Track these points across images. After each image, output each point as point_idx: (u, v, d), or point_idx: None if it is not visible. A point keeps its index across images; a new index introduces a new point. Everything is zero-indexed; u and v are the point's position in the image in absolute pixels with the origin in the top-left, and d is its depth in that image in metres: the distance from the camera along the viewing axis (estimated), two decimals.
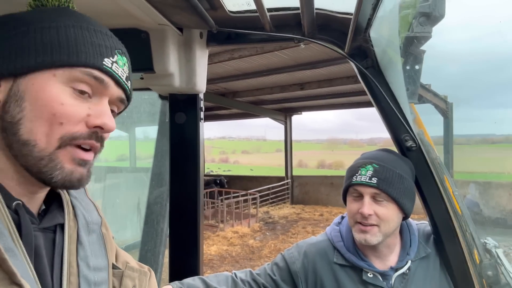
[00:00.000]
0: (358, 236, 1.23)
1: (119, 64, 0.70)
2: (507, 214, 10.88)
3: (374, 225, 1.21)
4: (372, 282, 1.26)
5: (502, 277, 1.28)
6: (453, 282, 1.31)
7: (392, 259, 1.29)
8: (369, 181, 1.20)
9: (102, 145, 0.70)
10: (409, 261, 1.28)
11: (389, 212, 1.21)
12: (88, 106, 0.66)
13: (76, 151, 0.65)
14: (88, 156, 0.68)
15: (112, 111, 0.72)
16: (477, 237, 1.31)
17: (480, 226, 1.42)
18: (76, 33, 0.65)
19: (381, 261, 1.29)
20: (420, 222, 1.43)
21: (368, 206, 1.20)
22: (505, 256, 1.30)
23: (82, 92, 0.65)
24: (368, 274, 1.26)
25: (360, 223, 1.22)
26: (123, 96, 0.72)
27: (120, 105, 0.74)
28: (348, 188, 1.28)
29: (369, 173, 1.21)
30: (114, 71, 0.68)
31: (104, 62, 0.66)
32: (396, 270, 1.27)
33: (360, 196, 1.23)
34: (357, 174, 1.23)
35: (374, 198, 1.21)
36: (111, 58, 0.68)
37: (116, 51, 0.70)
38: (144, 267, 0.95)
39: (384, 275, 1.27)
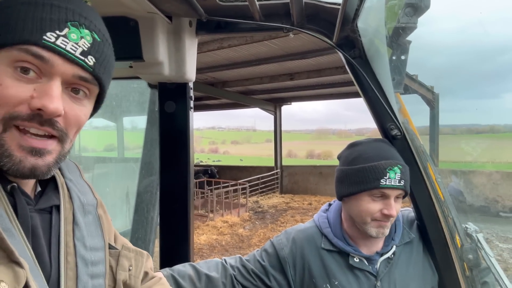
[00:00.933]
0: (376, 231, 1.25)
1: (71, 38, 0.62)
2: (490, 202, 11.17)
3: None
4: (358, 267, 1.30)
5: (482, 260, 1.33)
6: (435, 265, 1.36)
7: (378, 244, 1.33)
8: (399, 184, 1.21)
9: (55, 129, 0.64)
10: (394, 246, 1.33)
11: (400, 206, 1.27)
12: (34, 87, 0.61)
13: (24, 137, 0.62)
14: (41, 144, 0.63)
15: (77, 90, 0.67)
16: (459, 222, 1.36)
17: (463, 214, 1.47)
18: (18, 10, 0.61)
19: (368, 246, 1.33)
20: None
21: (394, 208, 1.22)
22: (487, 242, 1.34)
23: (25, 70, 0.61)
24: (355, 259, 1.30)
25: (379, 220, 1.24)
26: (81, 73, 0.65)
27: (88, 85, 0.67)
28: (369, 189, 1.22)
29: (398, 175, 1.21)
30: (59, 46, 0.61)
31: (44, 37, 0.60)
32: (382, 254, 1.32)
33: (382, 197, 1.23)
34: (385, 177, 1.20)
35: (396, 197, 1.24)
36: (56, 31, 0.61)
37: (68, 23, 0.62)
38: (143, 251, 0.96)
39: (370, 259, 1.31)
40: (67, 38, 0.62)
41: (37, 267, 0.64)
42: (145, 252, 0.97)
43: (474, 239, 1.35)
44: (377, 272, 1.29)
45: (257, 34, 7.06)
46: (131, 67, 1.45)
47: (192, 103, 1.54)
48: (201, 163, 22.97)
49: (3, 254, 0.56)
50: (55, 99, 0.62)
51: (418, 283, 1.31)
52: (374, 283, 1.28)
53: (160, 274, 1.24)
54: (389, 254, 1.32)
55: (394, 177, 1.20)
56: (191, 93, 1.54)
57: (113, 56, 0.73)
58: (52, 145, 0.65)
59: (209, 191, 11.90)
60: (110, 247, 0.85)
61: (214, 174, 15.79)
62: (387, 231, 1.26)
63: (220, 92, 13.08)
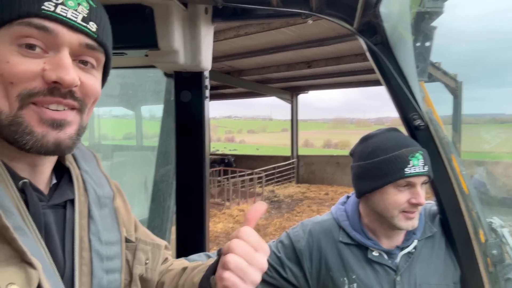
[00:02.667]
0: (405, 224, 1.21)
1: (69, 5, 0.60)
2: None
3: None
4: (378, 261, 1.27)
5: (507, 256, 1.28)
6: (457, 260, 1.32)
7: (399, 238, 1.30)
8: (424, 170, 1.17)
9: (76, 100, 0.63)
10: (415, 241, 1.29)
11: (425, 193, 1.23)
12: (43, 61, 0.60)
13: (43, 110, 0.60)
14: (61, 115, 0.62)
15: (85, 62, 0.65)
16: (483, 216, 1.31)
17: (486, 206, 1.41)
18: None
19: (388, 240, 1.29)
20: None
21: (422, 196, 1.18)
22: (510, 235, 1.29)
23: (30, 47, 0.59)
24: (374, 253, 1.27)
25: (407, 211, 1.20)
26: (87, 41, 0.63)
27: (95, 53, 0.66)
28: (394, 180, 1.18)
29: (421, 161, 1.17)
30: (60, 14, 0.59)
31: (43, 7, 0.58)
32: (402, 249, 1.28)
33: (408, 186, 1.19)
34: (409, 165, 1.16)
35: (421, 184, 1.20)
36: (53, 0, 0.59)
37: None
38: (161, 242, 0.95)
39: (390, 253, 1.27)
40: (66, 6, 0.60)
41: (51, 265, 0.62)
42: (163, 243, 0.95)
43: (499, 234, 1.30)
44: (397, 266, 1.26)
45: (274, 21, 6.96)
46: (146, 55, 1.43)
47: (208, 92, 1.52)
48: (217, 152, 23.12)
49: (15, 254, 0.55)
50: (70, 69, 0.60)
51: (439, 278, 1.27)
52: (394, 277, 1.25)
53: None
54: (410, 249, 1.28)
55: (417, 163, 1.16)
56: (207, 82, 1.51)
57: (109, 21, 0.71)
58: (71, 115, 0.63)
59: (225, 179, 11.98)
60: (127, 240, 0.83)
61: (231, 163, 15.86)
62: (416, 223, 1.22)
63: (236, 81, 13.03)
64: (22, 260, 0.55)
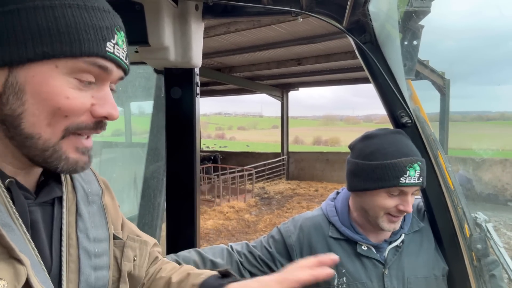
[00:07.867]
0: (388, 226, 1.24)
1: (119, 44, 0.64)
2: (499, 190, 11.09)
3: None
4: (366, 255, 1.29)
5: (491, 250, 1.32)
6: (443, 255, 1.35)
7: (386, 232, 1.32)
8: (418, 181, 1.19)
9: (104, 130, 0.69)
10: (403, 235, 1.32)
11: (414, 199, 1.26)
12: (91, 94, 0.63)
13: (79, 140, 0.64)
14: (90, 142, 0.67)
15: (111, 89, 0.69)
16: (468, 211, 1.34)
17: (472, 202, 1.44)
18: (74, 15, 0.58)
19: (376, 234, 1.32)
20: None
21: (411, 204, 1.21)
22: (495, 230, 1.33)
23: (89, 83, 0.62)
24: (363, 247, 1.30)
25: (392, 215, 1.23)
26: (123, 75, 0.69)
27: (118, 82, 0.72)
28: (387, 187, 1.20)
29: (417, 173, 1.18)
30: (116, 55, 0.63)
31: (107, 48, 0.61)
32: (390, 243, 1.31)
33: (400, 194, 1.21)
34: (405, 175, 1.17)
35: (412, 193, 1.23)
36: (112, 40, 0.62)
37: (115, 28, 0.63)
38: (150, 239, 0.95)
39: (378, 247, 1.30)
40: (118, 46, 0.64)
41: (39, 262, 0.62)
42: (152, 240, 0.95)
43: (484, 228, 1.34)
44: (385, 260, 1.28)
45: (264, 18, 6.96)
46: (136, 52, 1.43)
47: (198, 89, 1.52)
48: (207, 149, 23.03)
49: (2, 250, 0.55)
50: (115, 105, 0.65)
51: (427, 271, 1.30)
52: (382, 271, 1.27)
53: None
54: (397, 243, 1.31)
55: (413, 174, 1.18)
56: (197, 79, 1.51)
57: None
58: (92, 142, 0.68)
59: (215, 176, 11.97)
60: (115, 237, 0.83)
61: (217, 161, 15.84)
62: (398, 226, 1.26)
63: (226, 77, 13.00)
64: (10, 256, 0.55)
